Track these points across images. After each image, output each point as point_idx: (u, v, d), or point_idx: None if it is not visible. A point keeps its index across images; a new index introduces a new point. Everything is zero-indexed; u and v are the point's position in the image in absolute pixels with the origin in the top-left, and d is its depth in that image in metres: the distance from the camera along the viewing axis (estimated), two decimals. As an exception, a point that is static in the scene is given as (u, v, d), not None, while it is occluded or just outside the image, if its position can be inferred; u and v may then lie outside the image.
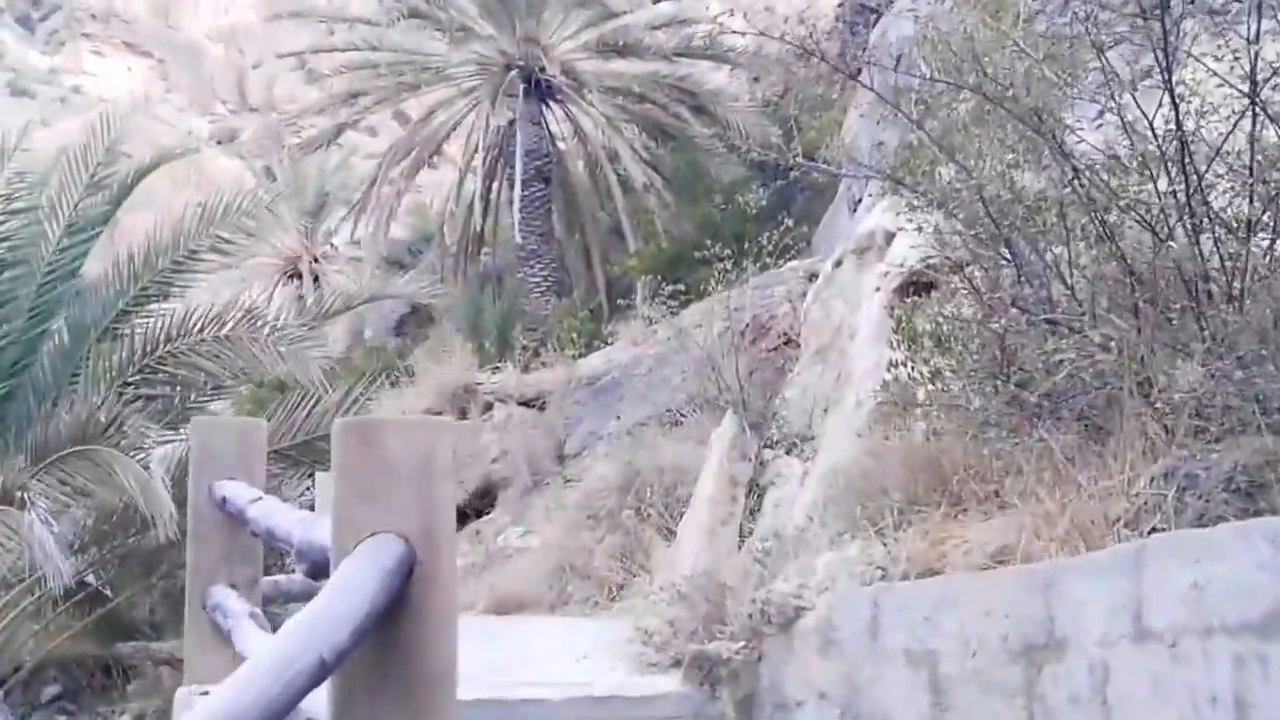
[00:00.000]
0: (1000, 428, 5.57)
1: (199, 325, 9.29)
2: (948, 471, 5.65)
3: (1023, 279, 5.90)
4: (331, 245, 42.71)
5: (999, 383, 5.68)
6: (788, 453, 10.82)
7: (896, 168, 6.73)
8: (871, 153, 7.84)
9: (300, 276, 44.99)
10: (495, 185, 24.81)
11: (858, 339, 10.95)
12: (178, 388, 9.92)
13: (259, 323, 9.22)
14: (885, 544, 5.31)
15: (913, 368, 7.86)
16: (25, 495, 8.17)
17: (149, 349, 9.42)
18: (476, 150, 23.41)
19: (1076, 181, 5.66)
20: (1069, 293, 5.64)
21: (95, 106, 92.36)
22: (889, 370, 8.47)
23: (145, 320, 9.66)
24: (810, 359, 11.98)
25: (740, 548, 9.95)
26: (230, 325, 9.28)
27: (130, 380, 9.56)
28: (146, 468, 7.97)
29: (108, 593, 11.01)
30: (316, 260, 45.29)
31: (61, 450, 8.78)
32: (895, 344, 8.11)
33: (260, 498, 4.92)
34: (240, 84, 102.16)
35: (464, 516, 17.52)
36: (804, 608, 5.22)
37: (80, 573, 10.12)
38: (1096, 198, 5.53)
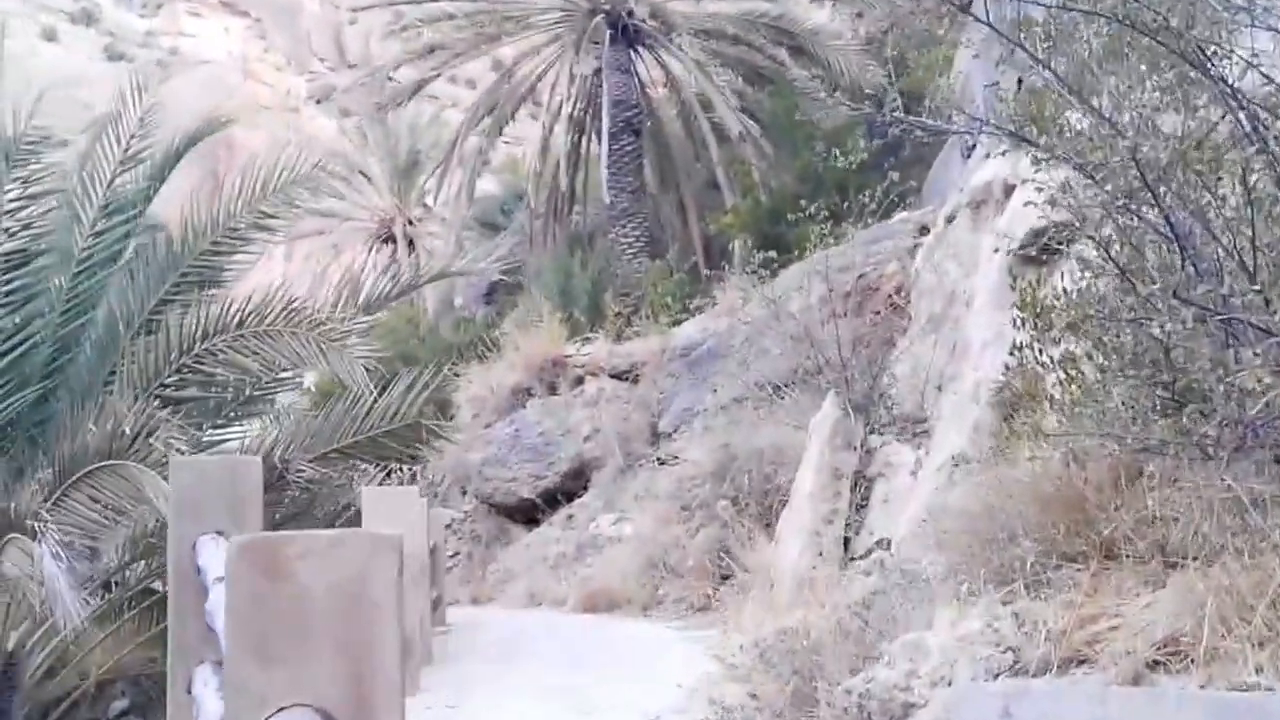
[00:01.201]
0: (1162, 455, 4.34)
1: (237, 319, 8.35)
2: (1094, 510, 4.43)
3: (1186, 259, 4.61)
4: (425, 206, 41.95)
5: (1159, 397, 4.43)
6: (897, 439, 9.62)
7: (1016, 116, 5.44)
8: (986, 99, 6.54)
9: (394, 240, 44.40)
10: (584, 140, 23.63)
11: (975, 307, 9.66)
12: (216, 389, 8.99)
13: (299, 316, 8.23)
14: (1017, 613, 4.12)
15: (1040, 351, 6.61)
16: (35, 524, 7.33)
17: (185, 346, 8.50)
18: (562, 103, 22.25)
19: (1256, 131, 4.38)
20: (1249, 277, 4.34)
21: (193, 69, 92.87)
22: (1013, 353, 7.22)
23: (182, 313, 8.74)
24: (922, 329, 10.72)
25: (845, 548, 8.80)
26: (270, 318, 8.31)
27: (167, 382, 8.66)
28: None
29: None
30: (411, 223, 44.58)
31: (90, 464, 7.92)
32: (1020, 322, 6.83)
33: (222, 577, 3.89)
34: (337, 40, 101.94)
35: (555, 499, 16.55)
36: (914, 704, 4.07)
37: (146, 578, 9.31)
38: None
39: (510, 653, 8.31)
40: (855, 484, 9.10)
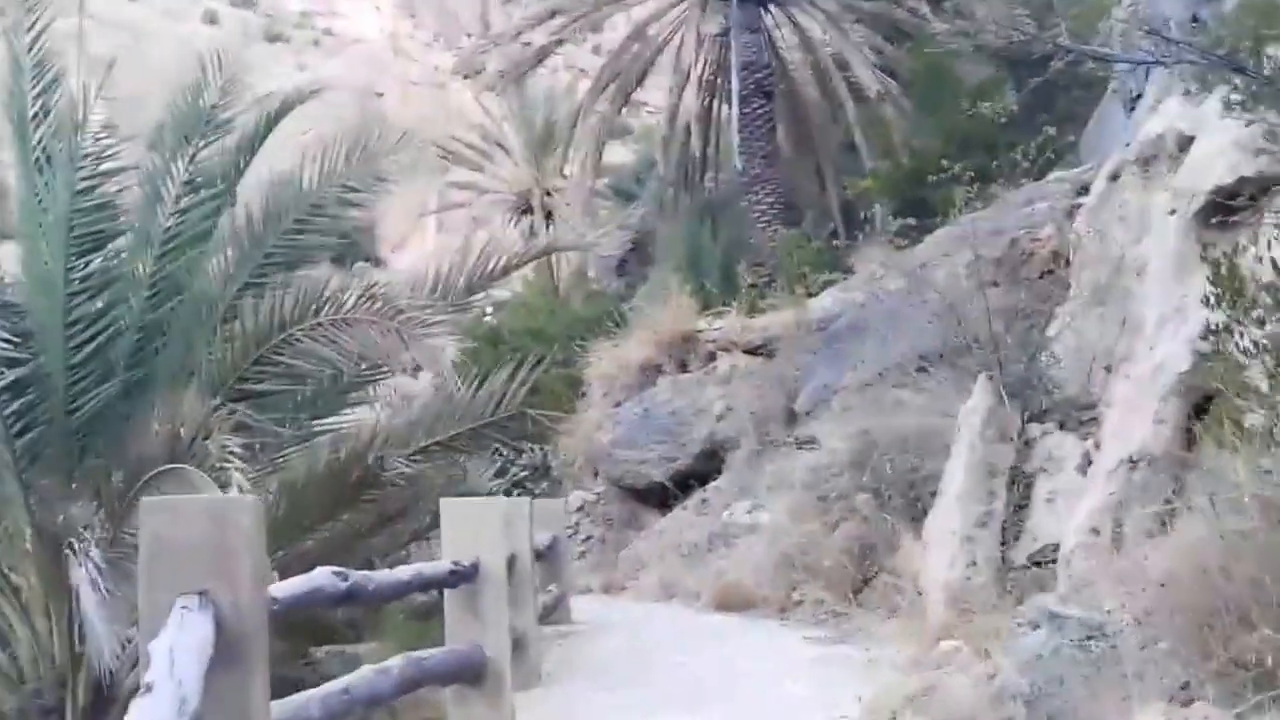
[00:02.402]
0: None
1: (313, 307, 7.59)
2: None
3: None
4: (564, 176, 41.35)
5: None
6: (1061, 427, 8.48)
7: (1225, 37, 4.32)
8: (1180, 24, 5.41)
9: (532, 211, 44.04)
10: (715, 104, 22.60)
11: (1148, 276, 8.47)
12: (295, 381, 8.23)
13: (380, 302, 7.44)
14: None
15: (1241, 334, 5.50)
16: (76, 543, 6.68)
17: (262, 336, 7.78)
18: (691, 66, 21.24)
19: None
20: None
21: (346, 47, 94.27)
22: (1206, 336, 6.08)
23: (256, 301, 8.02)
24: (1085, 301, 9.52)
25: (1002, 556, 7.72)
26: (350, 305, 7.54)
27: (246, 375, 7.96)
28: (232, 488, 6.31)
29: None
30: (549, 194, 44.19)
31: (155, 468, 7.26)
32: (1214, 299, 5.70)
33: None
34: (483, 14, 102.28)
35: (687, 482, 15.66)
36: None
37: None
38: None
39: (628, 674, 7.47)
40: (1012, 481, 8.00)
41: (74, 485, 8.20)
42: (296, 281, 7.89)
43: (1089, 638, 4.19)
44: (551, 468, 18.78)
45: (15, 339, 7.52)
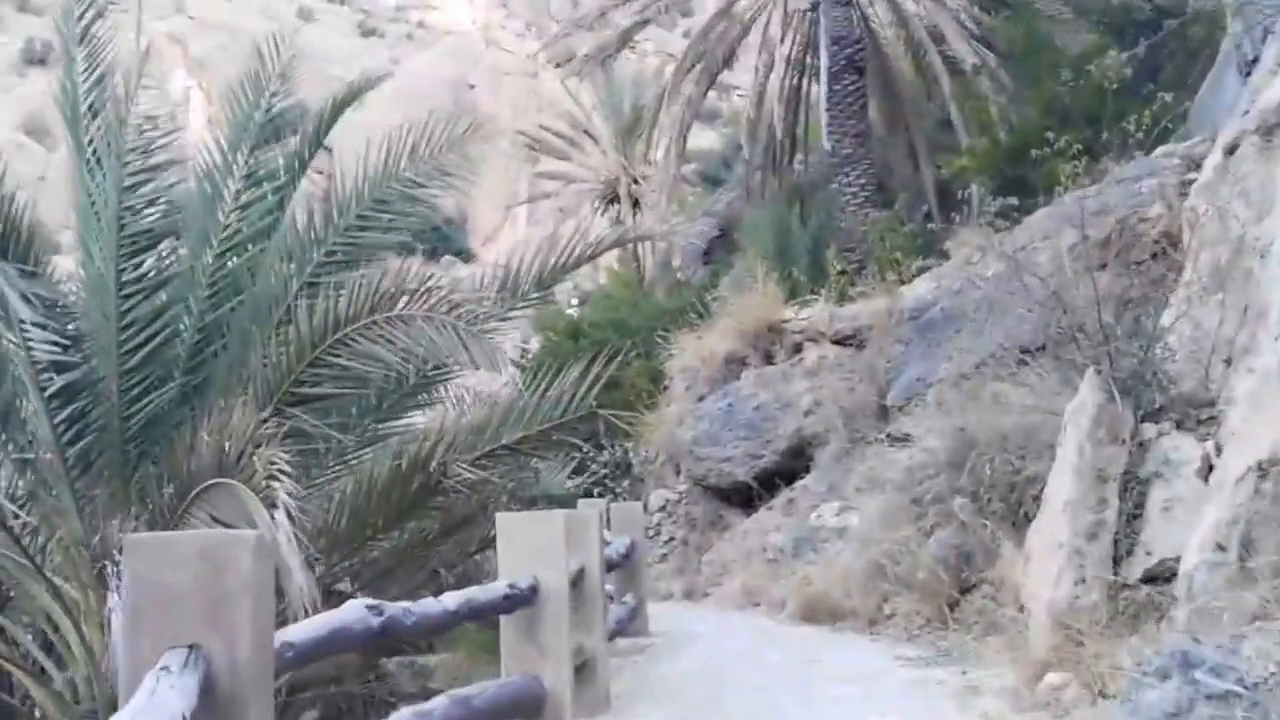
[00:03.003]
0: None
1: (368, 305, 7.13)
2: None
3: None
4: (650, 163, 40.89)
5: None
6: (1178, 427, 7.74)
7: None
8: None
9: (619, 200, 43.64)
10: (803, 83, 21.87)
11: (1272, 258, 7.70)
12: (353, 384, 7.78)
13: (435, 300, 6.95)
14: None
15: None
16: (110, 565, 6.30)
17: (316, 337, 7.34)
18: (777, 44, 20.52)
19: None
20: None
21: (439, 39, 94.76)
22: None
23: (310, 301, 7.59)
24: (1201, 287, 8.74)
25: (1115, 571, 7.03)
26: (404, 304, 7.07)
27: (302, 378, 7.53)
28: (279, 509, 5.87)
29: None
30: (636, 181, 43.73)
31: (205, 480, 6.87)
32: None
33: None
34: (574, 2, 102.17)
35: (773, 481, 15.06)
36: None
37: (328, 576, 8.28)
38: None
39: (702, 700, 6.91)
40: (1125, 487, 7.28)
41: (130, 496, 7.88)
42: (351, 281, 7.42)
43: (1229, 693, 3.56)
44: (633, 465, 18.27)
45: (65, 342, 7.17)
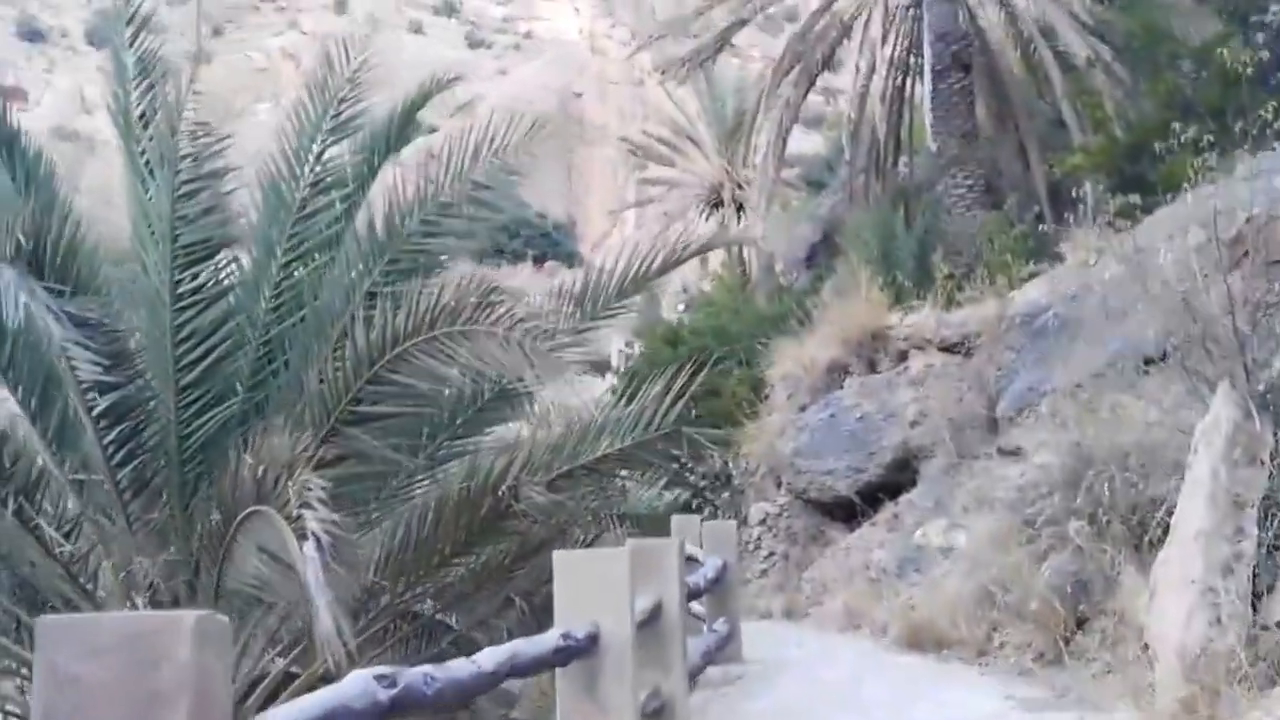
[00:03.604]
0: None
1: (428, 318, 6.63)
2: None
3: None
4: (753, 168, 40.38)
5: None
6: (1325, 446, 6.95)
7: None
8: None
9: (723, 204, 43.29)
10: (907, 81, 21.07)
11: None
12: (419, 402, 7.28)
13: (500, 314, 6.42)
14: None
15: None
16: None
17: (375, 353, 6.87)
18: (879, 41, 19.77)
19: None
20: None
21: (545, 49, 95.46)
22: None
23: (366, 317, 7.12)
24: (1348, 290, 7.93)
25: (1253, 616, 6.27)
26: (465, 316, 6.55)
27: (360, 396, 7.07)
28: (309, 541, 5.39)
29: (451, 621, 8.67)
30: (740, 186, 43.37)
31: (247, 507, 6.44)
32: None
33: None
34: (678, 18, 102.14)
35: (877, 496, 14.36)
36: None
37: (402, 601, 7.84)
38: None
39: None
40: (1265, 516, 6.53)
41: (190, 520, 7.50)
42: (410, 293, 6.91)
43: None
44: (733, 476, 17.65)
45: (106, 361, 6.79)
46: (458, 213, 7.90)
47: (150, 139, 7.56)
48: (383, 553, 7.41)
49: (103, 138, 63.79)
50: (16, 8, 78.71)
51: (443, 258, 8.13)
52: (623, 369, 28.11)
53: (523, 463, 7.51)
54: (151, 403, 7.48)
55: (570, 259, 75.59)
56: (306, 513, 5.44)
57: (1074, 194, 16.57)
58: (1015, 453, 12.19)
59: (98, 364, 6.72)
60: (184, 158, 7.32)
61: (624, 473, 8.39)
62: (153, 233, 7.58)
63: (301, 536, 5.43)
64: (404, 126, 9.10)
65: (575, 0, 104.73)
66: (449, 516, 7.35)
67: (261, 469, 6.11)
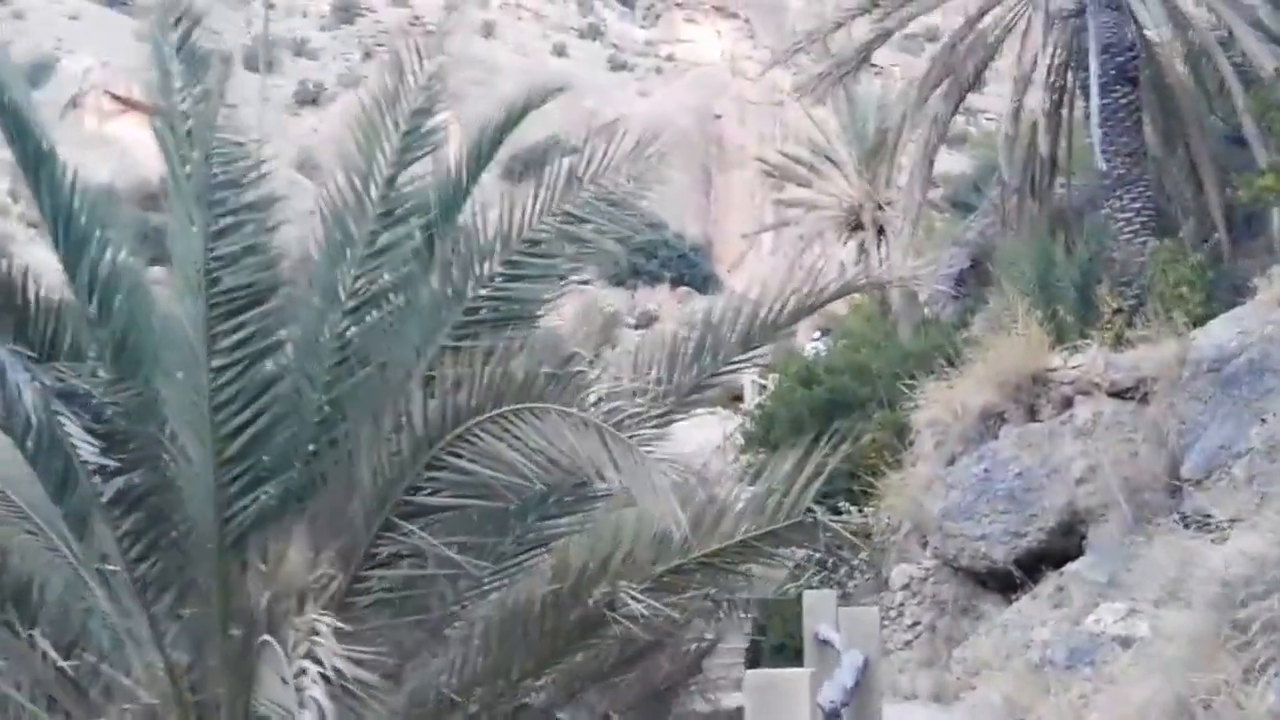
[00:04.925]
0: None
1: (493, 395, 5.33)
2: None
3: None
4: (896, 189, 38.89)
5: None
6: None
7: None
8: None
9: (863, 227, 41.83)
10: (1065, 97, 19.33)
11: None
12: (481, 493, 5.93)
13: (579, 391, 5.10)
14: None
15: None
16: None
17: (434, 434, 5.60)
18: (1038, 53, 18.08)
19: None
20: None
21: (686, 71, 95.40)
22: None
23: (428, 381, 5.88)
24: None
25: None
26: (535, 392, 5.24)
27: (417, 484, 5.81)
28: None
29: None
30: (880, 207, 41.88)
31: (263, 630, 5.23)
32: None
33: None
34: (815, 31, 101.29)
35: (1038, 565, 12.71)
36: None
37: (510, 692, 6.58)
38: None
39: None
40: None
41: (229, 617, 6.32)
42: (476, 362, 5.59)
43: None
44: (872, 533, 16.09)
45: (96, 441, 5.64)
46: (551, 249, 6.61)
47: (185, 167, 6.40)
48: (451, 668, 6.13)
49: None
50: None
51: (529, 305, 6.83)
52: (755, 402, 26.66)
53: (621, 560, 6.18)
54: (179, 481, 6.33)
55: (706, 281, 74.80)
56: (309, 667, 4.18)
57: (1256, 220, 14.81)
58: (1205, 522, 10.54)
59: (92, 444, 5.58)
60: (219, 186, 6.15)
61: (744, 568, 6.96)
62: (185, 275, 6.43)
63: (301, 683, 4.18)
64: (496, 145, 7.90)
65: (717, 23, 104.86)
66: (529, 626, 6.05)
67: (267, 594, 4.87)
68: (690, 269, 75.89)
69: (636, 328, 66.65)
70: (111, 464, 5.76)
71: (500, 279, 6.73)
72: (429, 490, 5.78)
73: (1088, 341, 14.51)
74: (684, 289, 73.01)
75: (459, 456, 5.58)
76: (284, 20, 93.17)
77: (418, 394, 5.77)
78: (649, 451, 4.99)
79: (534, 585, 6.33)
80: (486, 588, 6.52)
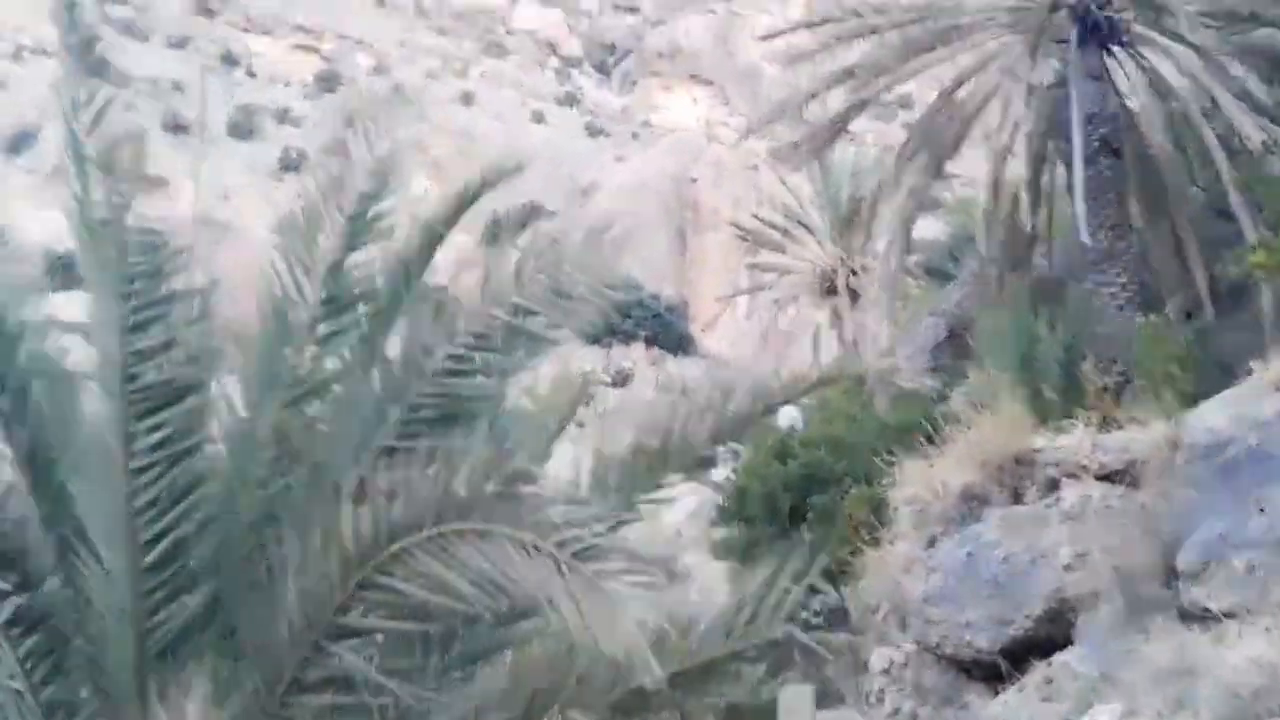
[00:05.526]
0: None
1: (431, 512, 4.74)
2: None
3: None
4: (871, 256, 38.76)
5: None
6: None
7: None
8: None
9: (837, 292, 41.78)
10: (1044, 166, 19.01)
11: None
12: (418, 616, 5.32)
13: (523, 508, 4.52)
14: None
15: None
16: None
17: (365, 551, 5.01)
18: (1018, 123, 17.74)
19: None
20: None
21: (661, 137, 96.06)
22: None
23: (358, 494, 5.29)
24: None
25: None
26: (484, 509, 4.66)
27: (347, 604, 5.21)
28: None
29: None
30: (854, 273, 41.82)
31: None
32: None
33: None
34: (790, 101, 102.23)
35: (1025, 654, 12.08)
36: None
37: None
38: None
39: None
40: None
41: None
42: (411, 473, 5.01)
43: None
44: (850, 612, 15.48)
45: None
46: (494, 343, 6.04)
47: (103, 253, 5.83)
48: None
49: (239, 224, 64.46)
50: (163, 103, 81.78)
51: (474, 403, 6.25)
52: (727, 474, 26.00)
53: (576, 682, 5.57)
54: (94, 595, 5.71)
55: (682, 342, 74.92)
56: None
57: (1243, 295, 14.43)
58: (1204, 615, 10.01)
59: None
60: (137, 277, 5.58)
61: (707, 691, 6.35)
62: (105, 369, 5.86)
63: None
64: (451, 221, 7.36)
65: (693, 90, 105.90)
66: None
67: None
68: (665, 328, 76.11)
69: (612, 385, 66.22)
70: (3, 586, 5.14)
71: (444, 374, 6.16)
72: (360, 610, 5.17)
73: (1073, 421, 13.96)
74: (657, 351, 73.05)
75: (392, 576, 4.98)
76: (267, 89, 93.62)
77: (348, 505, 5.16)
78: (605, 571, 4.39)
79: (481, 710, 5.70)
80: (426, 715, 5.88)
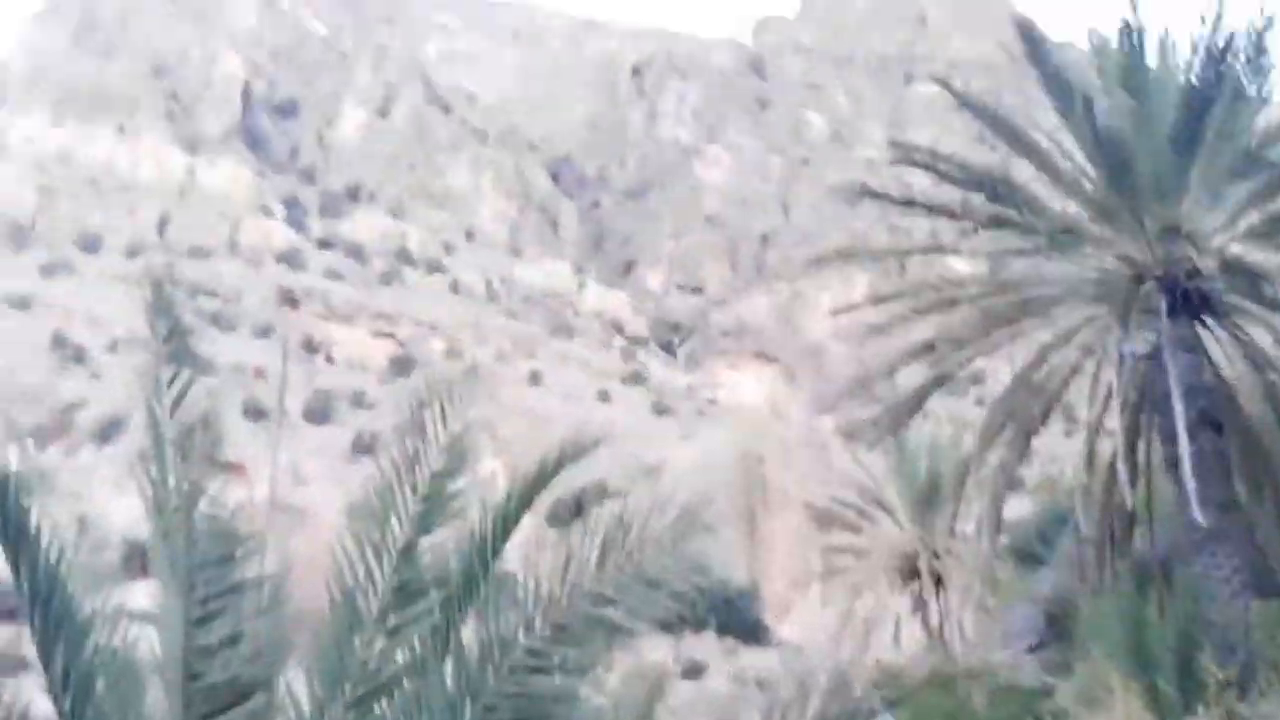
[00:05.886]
0: None
1: None
2: None
3: None
4: (954, 536, 37.52)
5: None
6: None
7: None
8: None
9: (919, 575, 40.25)
10: (1141, 443, 18.26)
11: None
12: None
13: None
14: None
15: None
16: None
17: None
18: (1109, 397, 17.14)
19: None
20: None
21: (725, 414, 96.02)
22: None
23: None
24: None
25: None
26: None
27: None
28: None
29: None
30: (937, 556, 40.38)
31: None
32: None
33: None
34: (863, 377, 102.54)
35: None
36: None
37: None
38: None
39: None
40: None
41: None
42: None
43: None
44: None
45: None
46: (573, 637, 5.43)
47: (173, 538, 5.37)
48: None
49: (313, 509, 64.23)
50: (245, 390, 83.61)
51: (550, 705, 5.60)
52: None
53: None
54: None
55: (753, 629, 72.29)
56: None
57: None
58: None
59: None
60: (204, 565, 5.09)
61: None
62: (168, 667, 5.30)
63: None
64: (528, 500, 6.85)
65: (757, 368, 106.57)
66: None
67: None
68: (735, 615, 73.68)
69: (684, 677, 63.64)
70: None
71: (522, 671, 5.54)
72: None
73: (1196, 717, 12.87)
74: (730, 640, 70.48)
75: None
76: (344, 373, 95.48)
77: None
78: None
79: None
80: None
